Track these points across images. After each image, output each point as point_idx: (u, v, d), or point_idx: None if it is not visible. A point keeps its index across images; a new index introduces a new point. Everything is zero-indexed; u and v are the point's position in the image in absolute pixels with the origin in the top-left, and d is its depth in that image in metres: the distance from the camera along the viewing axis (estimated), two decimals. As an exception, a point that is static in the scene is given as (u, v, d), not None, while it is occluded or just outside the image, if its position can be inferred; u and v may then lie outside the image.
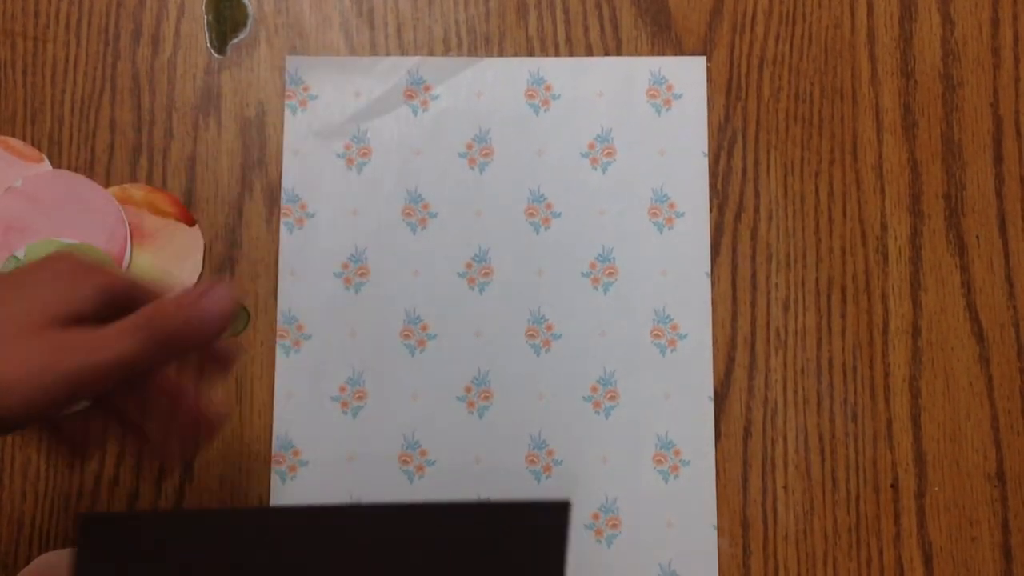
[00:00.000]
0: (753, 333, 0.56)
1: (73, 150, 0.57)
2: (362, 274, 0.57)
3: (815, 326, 0.56)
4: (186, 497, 0.55)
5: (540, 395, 0.56)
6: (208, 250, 0.57)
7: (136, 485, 0.55)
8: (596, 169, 0.58)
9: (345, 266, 0.57)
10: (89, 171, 0.57)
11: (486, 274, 0.57)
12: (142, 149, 0.57)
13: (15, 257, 0.56)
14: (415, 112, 0.58)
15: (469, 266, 0.57)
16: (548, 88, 0.58)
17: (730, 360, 0.56)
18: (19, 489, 0.55)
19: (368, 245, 0.57)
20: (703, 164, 0.57)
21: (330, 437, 0.55)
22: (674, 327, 0.56)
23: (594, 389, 0.56)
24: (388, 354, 0.56)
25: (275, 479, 0.55)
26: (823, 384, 0.56)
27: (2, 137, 0.57)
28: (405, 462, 0.55)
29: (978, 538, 0.55)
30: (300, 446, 0.55)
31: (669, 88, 0.58)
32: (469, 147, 0.58)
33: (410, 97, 0.58)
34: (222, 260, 0.57)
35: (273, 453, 0.55)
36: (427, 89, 0.58)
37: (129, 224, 0.57)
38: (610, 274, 0.57)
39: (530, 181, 0.57)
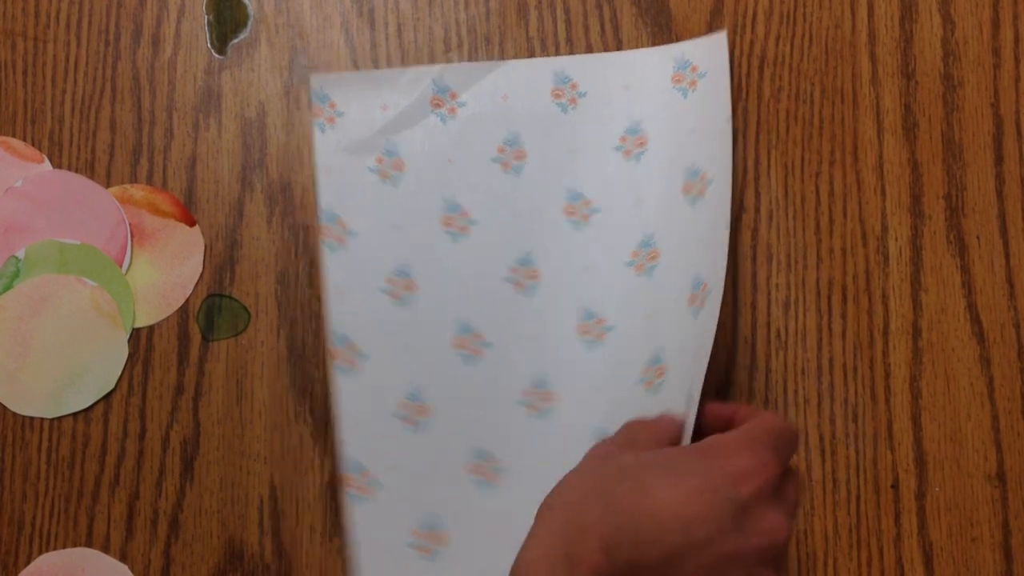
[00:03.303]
0: (753, 334, 0.56)
1: (73, 150, 0.57)
2: (408, 288, 0.55)
3: (815, 326, 0.56)
4: (186, 497, 0.55)
5: (598, 389, 0.54)
6: (208, 250, 0.57)
7: (136, 485, 0.55)
8: (630, 160, 0.57)
9: (391, 281, 0.55)
10: (89, 171, 0.57)
11: (532, 276, 0.56)
12: (142, 149, 0.57)
13: (15, 257, 0.56)
14: (443, 120, 0.57)
15: (515, 270, 0.56)
16: (574, 86, 0.58)
17: (730, 361, 0.56)
18: (19, 489, 0.55)
19: (412, 258, 0.56)
20: (727, 129, 0.55)
21: (395, 454, 0.53)
22: (704, 287, 0.53)
23: (646, 371, 0.54)
24: (443, 366, 0.54)
25: (349, 500, 0.52)
26: (823, 384, 0.56)
27: (2, 137, 0.57)
28: (476, 471, 0.54)
29: (979, 538, 0.55)
30: (370, 468, 0.53)
31: (694, 70, 0.57)
32: (501, 151, 0.57)
33: (437, 105, 0.57)
34: (222, 260, 0.57)
35: (344, 475, 0.53)
36: (453, 96, 0.57)
37: (129, 224, 0.57)
38: (653, 258, 0.55)
39: (566, 179, 0.57)
